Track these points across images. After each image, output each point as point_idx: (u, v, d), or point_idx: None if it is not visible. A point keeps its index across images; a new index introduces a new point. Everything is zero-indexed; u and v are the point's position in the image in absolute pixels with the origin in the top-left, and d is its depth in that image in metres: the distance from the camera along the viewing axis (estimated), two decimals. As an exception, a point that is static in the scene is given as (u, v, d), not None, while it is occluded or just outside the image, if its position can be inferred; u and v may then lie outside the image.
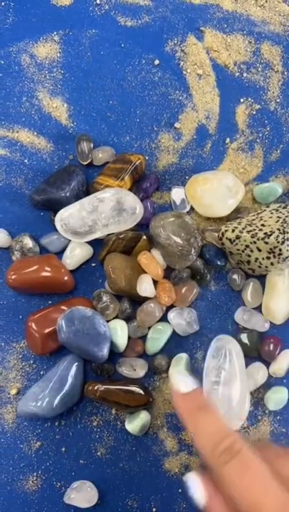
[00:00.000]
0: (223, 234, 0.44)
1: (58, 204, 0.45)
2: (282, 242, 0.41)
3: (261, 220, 0.44)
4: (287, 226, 0.41)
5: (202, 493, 0.31)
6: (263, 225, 0.43)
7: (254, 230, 0.42)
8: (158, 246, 0.45)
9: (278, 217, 0.43)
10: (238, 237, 0.43)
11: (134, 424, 0.43)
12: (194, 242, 0.44)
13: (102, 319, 0.43)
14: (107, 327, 0.43)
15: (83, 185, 0.46)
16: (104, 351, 0.42)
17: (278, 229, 0.41)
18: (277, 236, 0.41)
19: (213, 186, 0.46)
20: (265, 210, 0.45)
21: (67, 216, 0.43)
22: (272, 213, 0.44)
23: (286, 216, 0.43)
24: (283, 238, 0.41)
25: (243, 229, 0.43)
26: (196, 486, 0.31)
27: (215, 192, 0.46)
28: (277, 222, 0.42)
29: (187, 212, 0.47)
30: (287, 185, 0.49)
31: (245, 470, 0.28)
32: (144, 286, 0.43)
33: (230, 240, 0.44)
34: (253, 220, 0.44)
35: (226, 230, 0.44)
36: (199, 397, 0.32)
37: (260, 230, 0.42)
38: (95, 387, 0.42)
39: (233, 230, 0.43)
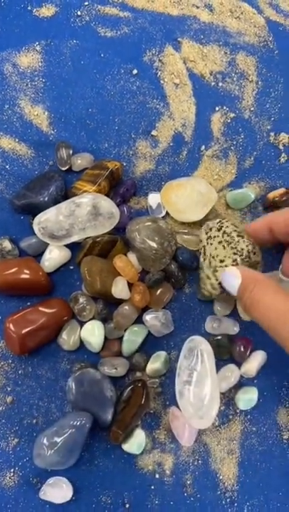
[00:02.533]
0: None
1: (37, 208, 0.46)
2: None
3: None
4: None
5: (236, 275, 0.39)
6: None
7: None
8: (133, 249, 0.46)
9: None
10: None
11: (130, 443, 0.44)
12: (168, 246, 0.46)
13: (109, 383, 0.44)
14: (114, 392, 0.44)
15: (62, 191, 0.48)
16: (109, 416, 0.44)
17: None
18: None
19: (186, 192, 0.47)
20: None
21: (44, 220, 0.45)
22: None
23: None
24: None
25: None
26: (230, 274, 0.40)
27: (188, 198, 0.47)
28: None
29: (163, 217, 0.49)
30: (259, 191, 0.50)
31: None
32: (119, 289, 0.45)
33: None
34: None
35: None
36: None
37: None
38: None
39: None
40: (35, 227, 0.45)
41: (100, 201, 0.45)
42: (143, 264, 0.46)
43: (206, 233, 0.45)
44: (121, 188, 0.48)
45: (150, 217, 0.47)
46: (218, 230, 0.44)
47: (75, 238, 0.46)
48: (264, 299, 0.37)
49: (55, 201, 0.47)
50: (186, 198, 0.47)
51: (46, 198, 0.46)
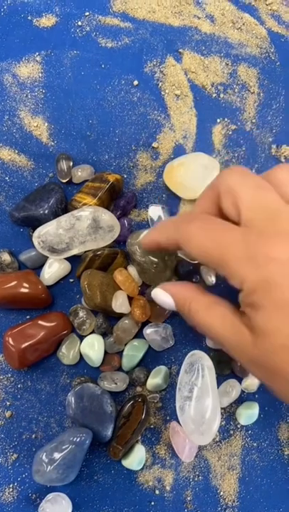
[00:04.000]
0: None
1: (37, 221, 0.46)
2: None
3: None
4: None
5: (168, 294, 0.38)
6: None
7: None
8: (134, 263, 0.46)
9: None
10: None
11: (130, 458, 0.44)
12: (168, 259, 0.45)
13: (109, 398, 0.44)
14: (114, 406, 0.44)
15: (62, 203, 0.47)
16: (109, 432, 0.43)
17: None
18: None
19: (190, 169, 0.47)
20: None
21: (44, 233, 0.45)
22: None
23: None
24: None
25: None
26: (162, 294, 0.38)
27: (194, 173, 0.47)
28: None
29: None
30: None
31: (205, 225, 0.34)
32: (120, 303, 0.44)
33: None
34: None
35: None
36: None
37: None
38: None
39: None
40: (35, 241, 0.45)
41: (100, 214, 0.45)
42: (143, 277, 0.46)
43: None
44: (121, 200, 0.48)
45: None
46: None
47: (75, 251, 0.45)
48: (199, 317, 0.35)
49: (55, 214, 0.46)
50: (191, 175, 0.47)
51: (46, 211, 0.46)
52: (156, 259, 0.44)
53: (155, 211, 0.49)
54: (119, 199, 0.48)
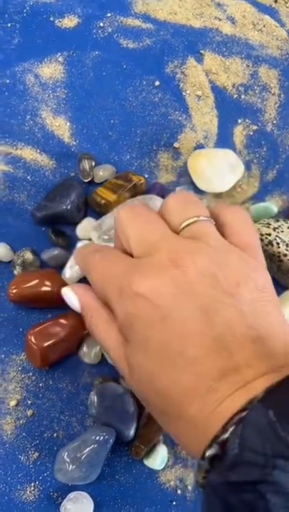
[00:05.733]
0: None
1: (61, 217, 0.47)
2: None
3: None
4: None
5: (74, 296, 0.39)
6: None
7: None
8: None
9: None
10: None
11: (152, 458, 0.44)
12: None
13: (131, 398, 0.44)
14: (135, 406, 0.44)
15: (82, 197, 0.48)
16: (131, 431, 0.43)
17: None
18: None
19: (217, 161, 0.48)
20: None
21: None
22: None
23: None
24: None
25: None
26: (70, 295, 0.39)
27: (218, 167, 0.48)
28: None
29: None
30: (282, 204, 0.50)
31: (103, 257, 0.35)
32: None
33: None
34: None
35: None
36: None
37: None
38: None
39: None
40: (95, 234, 0.46)
41: None
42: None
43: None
44: (152, 193, 0.48)
45: None
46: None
47: None
48: (97, 330, 0.36)
49: (78, 208, 0.47)
50: (215, 167, 0.48)
51: (69, 206, 0.46)
52: None
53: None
54: (149, 191, 0.49)
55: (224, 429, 0.25)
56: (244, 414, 0.25)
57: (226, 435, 0.24)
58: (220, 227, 0.34)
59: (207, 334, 0.28)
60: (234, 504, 0.23)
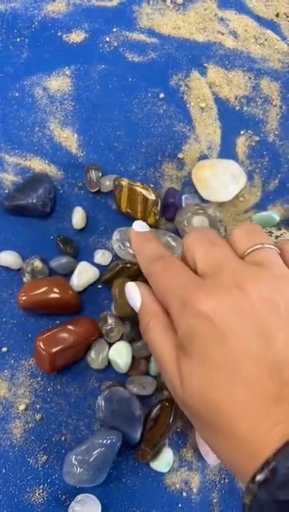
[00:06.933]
0: None
1: (25, 210, 0.49)
2: None
3: None
4: None
5: (138, 295, 0.38)
6: None
7: None
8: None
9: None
10: None
11: (158, 461, 0.45)
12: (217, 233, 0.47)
13: (138, 402, 0.45)
14: (142, 410, 0.45)
15: (50, 193, 0.49)
16: (138, 435, 0.44)
17: None
18: None
19: (220, 171, 0.50)
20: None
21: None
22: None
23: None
24: None
25: None
26: (135, 292, 0.39)
27: (222, 177, 0.49)
28: None
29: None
30: (284, 213, 0.51)
31: (167, 267, 0.35)
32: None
33: None
34: None
35: None
36: (148, 234, 0.41)
37: None
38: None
39: None
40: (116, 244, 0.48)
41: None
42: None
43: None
44: (168, 198, 0.50)
45: (200, 206, 0.49)
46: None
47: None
48: (153, 334, 0.36)
49: (44, 204, 0.49)
50: (219, 177, 0.49)
51: (34, 200, 0.48)
52: None
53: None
54: (166, 197, 0.50)
55: (275, 455, 0.25)
56: None
57: (277, 461, 0.25)
58: (283, 257, 0.35)
59: (263, 358, 0.29)
60: None
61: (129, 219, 0.49)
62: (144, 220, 0.46)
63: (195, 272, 0.35)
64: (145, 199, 0.48)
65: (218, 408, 0.29)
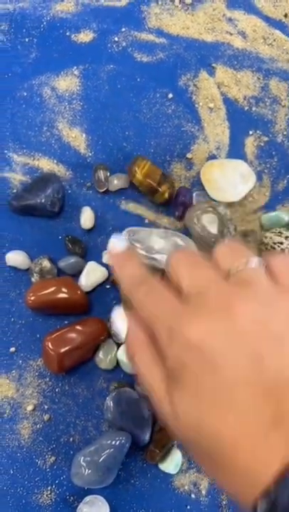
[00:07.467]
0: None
1: (34, 209, 0.49)
2: None
3: None
4: None
5: (123, 322, 0.37)
6: None
7: None
8: (192, 237, 0.48)
9: None
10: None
11: (167, 462, 0.45)
12: (227, 232, 0.47)
13: (146, 403, 0.45)
14: (150, 411, 0.45)
15: (59, 193, 0.49)
16: (147, 436, 0.44)
17: None
18: None
19: (229, 172, 0.50)
20: None
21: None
22: None
23: None
24: None
25: None
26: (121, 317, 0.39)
27: (231, 177, 0.50)
28: None
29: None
30: (293, 213, 0.51)
31: (150, 292, 0.34)
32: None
33: None
34: None
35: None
36: (126, 254, 0.39)
37: None
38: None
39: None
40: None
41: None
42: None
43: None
44: (180, 197, 0.50)
45: (210, 204, 0.49)
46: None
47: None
48: (143, 369, 0.34)
49: (52, 203, 0.49)
50: (228, 177, 0.50)
51: (43, 200, 0.48)
52: (215, 232, 0.46)
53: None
54: (177, 196, 0.50)
55: (276, 483, 0.25)
56: None
57: (277, 490, 0.24)
58: (271, 272, 0.34)
59: (257, 382, 0.29)
60: None
61: (136, 218, 0.49)
62: (158, 192, 0.48)
63: (180, 291, 0.35)
64: (164, 176, 0.49)
65: (215, 438, 0.29)
